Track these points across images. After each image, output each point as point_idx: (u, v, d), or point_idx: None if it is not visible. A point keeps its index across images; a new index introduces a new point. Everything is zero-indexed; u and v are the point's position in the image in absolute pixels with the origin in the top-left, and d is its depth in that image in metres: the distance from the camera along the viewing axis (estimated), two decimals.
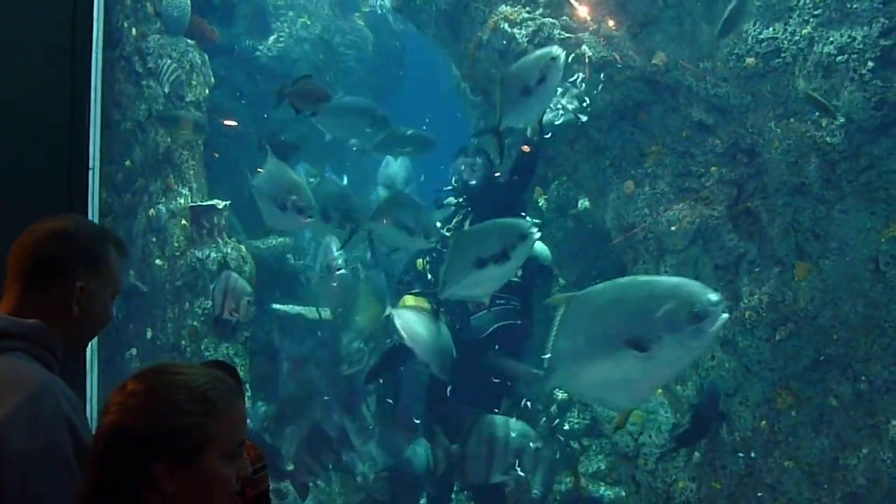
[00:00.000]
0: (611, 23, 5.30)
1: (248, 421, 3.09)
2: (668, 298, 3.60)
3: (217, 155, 8.19)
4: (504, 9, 5.76)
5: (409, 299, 5.85)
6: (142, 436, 1.78)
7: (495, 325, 5.57)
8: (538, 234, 4.74)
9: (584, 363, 3.93)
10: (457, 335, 5.63)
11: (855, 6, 4.49)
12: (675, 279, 3.94)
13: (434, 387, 5.80)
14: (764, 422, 4.76)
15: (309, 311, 7.38)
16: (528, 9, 5.75)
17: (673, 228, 5.06)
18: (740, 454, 4.81)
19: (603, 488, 5.97)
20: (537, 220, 5.87)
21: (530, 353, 5.71)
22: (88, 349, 6.63)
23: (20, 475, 1.97)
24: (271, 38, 8.62)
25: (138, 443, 1.78)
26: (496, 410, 5.55)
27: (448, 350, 5.37)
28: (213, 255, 7.33)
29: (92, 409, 6.88)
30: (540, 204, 6.50)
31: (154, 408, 1.80)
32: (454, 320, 5.68)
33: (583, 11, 5.44)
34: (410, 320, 5.45)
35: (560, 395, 6.25)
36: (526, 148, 5.78)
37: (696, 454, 4.95)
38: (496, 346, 5.57)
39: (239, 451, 2.01)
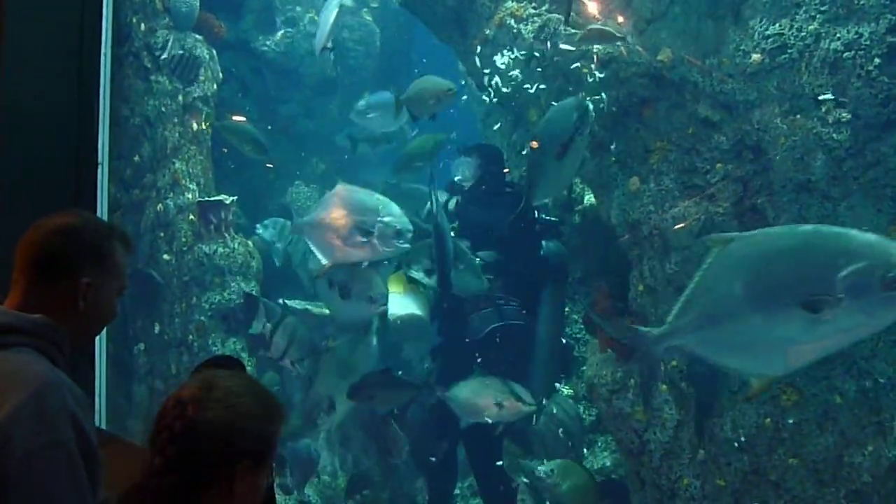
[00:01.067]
0: (617, 18, 5.29)
1: None
2: (859, 256, 3.18)
3: (225, 150, 8.22)
4: (510, 4, 5.77)
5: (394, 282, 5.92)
6: (238, 433, 1.87)
7: (492, 327, 5.55)
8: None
9: (733, 317, 3.51)
10: (453, 335, 5.65)
11: (862, 2, 4.47)
12: (869, 235, 3.44)
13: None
14: (768, 419, 4.74)
15: (316, 307, 7.40)
16: (534, 4, 5.75)
17: (678, 225, 5.05)
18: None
19: None
20: (555, 219, 5.92)
21: (531, 354, 5.71)
22: (96, 344, 6.69)
23: (25, 471, 1.99)
24: (279, 34, 8.64)
25: (232, 439, 1.87)
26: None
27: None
28: (220, 250, 7.37)
29: (100, 404, 6.95)
30: (545, 201, 6.48)
31: (248, 409, 1.91)
32: (451, 319, 5.69)
33: (589, 7, 5.43)
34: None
35: (565, 390, 6.28)
36: (534, 144, 5.79)
37: (701, 451, 4.94)
38: (493, 348, 5.55)
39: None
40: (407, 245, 5.31)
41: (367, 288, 5.65)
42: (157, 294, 7.27)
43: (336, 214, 5.37)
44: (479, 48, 6.06)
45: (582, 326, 6.23)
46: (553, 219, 5.88)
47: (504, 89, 5.91)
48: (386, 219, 5.19)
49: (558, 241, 5.85)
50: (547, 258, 5.74)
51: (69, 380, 2.21)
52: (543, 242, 5.77)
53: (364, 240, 5.27)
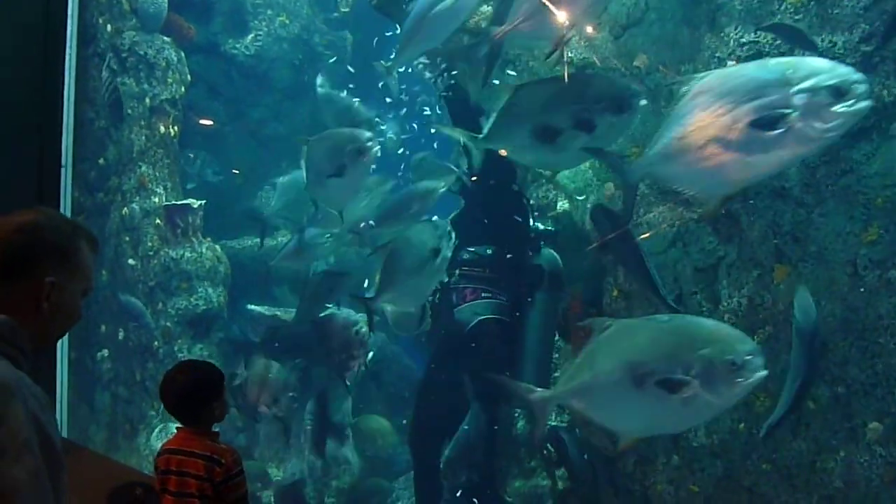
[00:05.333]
0: (593, 24, 5.28)
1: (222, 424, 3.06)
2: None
3: (192, 155, 8.11)
4: (486, 9, 5.74)
5: None
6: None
7: (479, 319, 5.67)
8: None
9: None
10: (439, 328, 5.69)
11: (836, 11, 4.50)
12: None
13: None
14: (742, 425, 4.75)
15: (284, 312, 7.31)
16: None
17: (653, 231, 5.05)
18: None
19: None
20: (550, 228, 5.93)
21: (517, 355, 5.70)
22: (58, 349, 6.55)
23: None
24: (249, 37, 8.56)
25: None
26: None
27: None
28: (187, 254, 7.25)
29: (61, 411, 6.79)
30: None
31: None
32: (437, 311, 5.72)
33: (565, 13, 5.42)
34: None
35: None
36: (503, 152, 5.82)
37: (675, 457, 4.93)
38: (479, 343, 5.65)
39: None
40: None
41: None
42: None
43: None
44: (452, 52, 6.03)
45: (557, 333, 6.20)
46: (549, 228, 5.91)
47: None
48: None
49: (553, 250, 5.93)
50: (542, 266, 5.80)
51: (31, 382, 2.12)
52: (540, 251, 5.91)
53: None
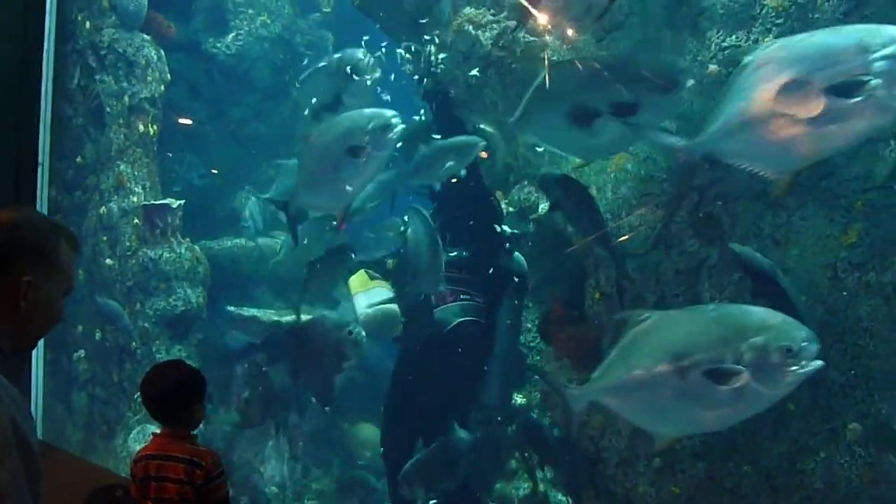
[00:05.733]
0: (575, 27, 5.29)
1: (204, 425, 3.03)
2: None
3: (171, 154, 8.04)
4: (469, 11, 5.73)
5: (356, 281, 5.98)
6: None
7: (459, 320, 5.68)
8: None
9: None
10: (418, 329, 5.68)
11: (817, 16, 4.54)
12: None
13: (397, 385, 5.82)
14: None
15: (264, 314, 7.25)
16: (492, 11, 5.72)
17: (634, 233, 5.06)
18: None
19: (561, 495, 5.96)
20: (516, 231, 5.94)
21: (491, 357, 5.71)
22: (34, 350, 6.46)
23: None
24: (230, 36, 8.50)
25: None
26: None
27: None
28: (166, 254, 7.18)
29: (37, 410, 6.70)
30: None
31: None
32: (416, 313, 5.70)
33: (548, 15, 5.42)
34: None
35: (519, 399, 6.24)
36: (484, 154, 5.84)
37: (657, 459, 4.94)
38: (459, 344, 5.65)
39: None
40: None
41: None
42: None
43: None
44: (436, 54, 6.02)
45: (536, 335, 6.21)
46: (514, 231, 5.92)
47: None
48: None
49: (518, 251, 5.97)
50: (509, 267, 5.78)
51: (6, 382, 2.09)
52: (509, 253, 5.93)
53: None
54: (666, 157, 5.03)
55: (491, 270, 5.86)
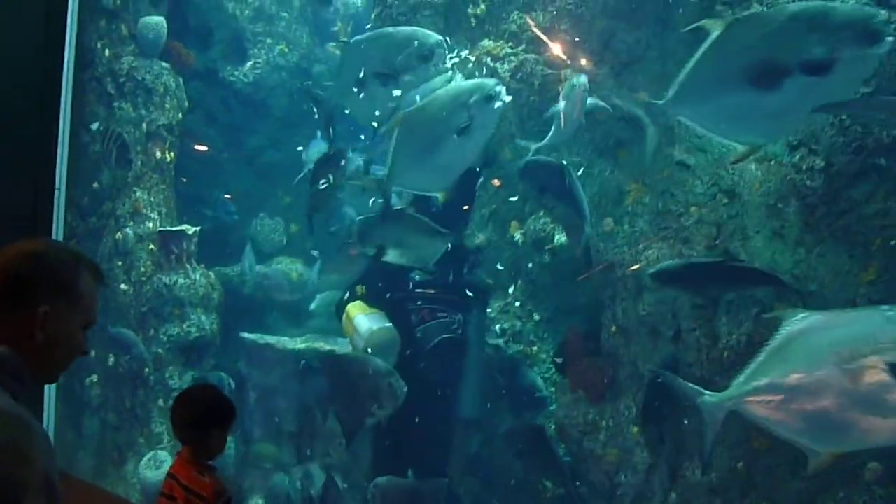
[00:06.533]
0: (594, 61, 5.32)
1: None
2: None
3: (185, 180, 8.07)
4: (487, 43, 5.77)
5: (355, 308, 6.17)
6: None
7: (441, 337, 5.90)
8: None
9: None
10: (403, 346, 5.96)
11: None
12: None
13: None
14: (741, 463, 4.72)
15: (278, 341, 7.24)
16: (510, 44, 5.76)
17: (652, 267, 5.04)
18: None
19: None
20: (477, 247, 6.07)
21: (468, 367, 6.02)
22: None
23: None
24: (248, 65, 8.55)
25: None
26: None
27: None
28: (181, 280, 7.20)
29: (50, 437, 6.68)
30: (516, 238, 6.48)
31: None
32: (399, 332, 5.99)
33: (566, 49, 5.45)
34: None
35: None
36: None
37: (673, 495, 4.88)
38: (441, 358, 5.89)
39: None
40: None
41: None
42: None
43: None
44: None
45: (551, 366, 6.17)
46: (475, 245, 6.20)
47: None
48: None
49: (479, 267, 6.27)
50: (474, 282, 6.14)
51: (33, 419, 2.07)
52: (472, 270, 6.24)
53: None
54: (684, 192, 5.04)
55: (460, 287, 6.14)
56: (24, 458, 1.90)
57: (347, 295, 6.43)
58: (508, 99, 4.93)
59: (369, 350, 5.96)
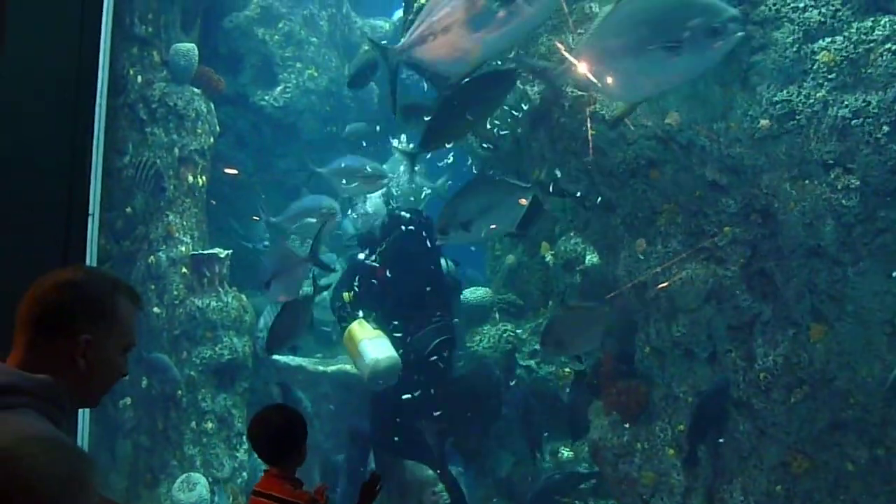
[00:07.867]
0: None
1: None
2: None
3: (214, 202, 8.15)
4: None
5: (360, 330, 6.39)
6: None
7: (437, 340, 6.18)
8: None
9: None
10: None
11: (869, 71, 4.49)
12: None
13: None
14: (779, 486, 4.66)
15: (310, 363, 7.26)
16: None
17: (686, 287, 4.99)
18: None
19: None
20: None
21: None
22: None
23: None
24: (278, 89, 8.65)
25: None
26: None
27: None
28: (213, 304, 7.25)
29: None
30: (547, 259, 6.46)
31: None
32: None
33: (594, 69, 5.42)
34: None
35: (566, 452, 6.15)
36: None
37: None
38: (437, 361, 6.17)
39: None
40: None
41: None
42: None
43: None
44: None
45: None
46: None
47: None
48: None
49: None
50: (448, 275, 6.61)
51: (72, 443, 2.09)
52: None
53: None
54: (716, 211, 4.99)
55: (444, 290, 6.46)
56: (84, 487, 1.92)
57: (340, 303, 6.75)
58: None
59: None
